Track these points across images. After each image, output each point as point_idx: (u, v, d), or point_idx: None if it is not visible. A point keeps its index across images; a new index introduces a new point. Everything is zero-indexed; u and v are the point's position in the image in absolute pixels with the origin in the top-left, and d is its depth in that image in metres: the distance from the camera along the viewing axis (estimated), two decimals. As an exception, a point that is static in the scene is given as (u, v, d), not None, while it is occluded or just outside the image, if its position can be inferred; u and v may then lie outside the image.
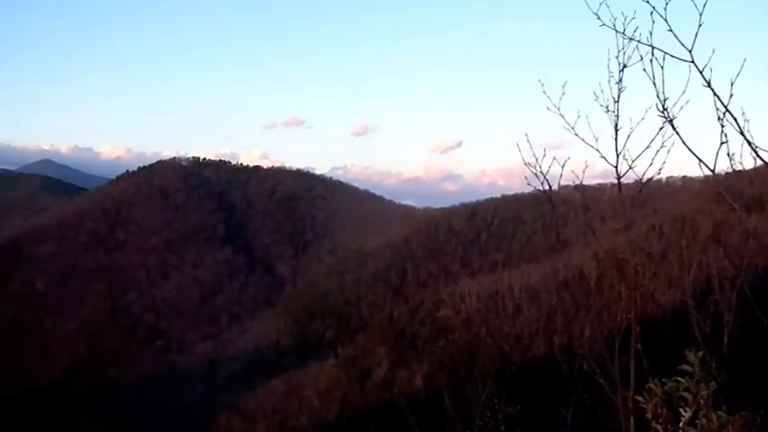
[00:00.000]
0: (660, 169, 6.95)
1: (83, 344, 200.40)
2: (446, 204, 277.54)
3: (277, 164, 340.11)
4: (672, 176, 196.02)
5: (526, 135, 7.96)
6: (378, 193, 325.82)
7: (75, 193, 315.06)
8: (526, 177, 7.87)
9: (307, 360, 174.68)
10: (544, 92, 7.27)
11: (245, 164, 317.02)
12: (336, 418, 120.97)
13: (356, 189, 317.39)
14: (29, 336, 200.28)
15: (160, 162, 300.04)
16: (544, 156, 7.57)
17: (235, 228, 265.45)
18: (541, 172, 7.76)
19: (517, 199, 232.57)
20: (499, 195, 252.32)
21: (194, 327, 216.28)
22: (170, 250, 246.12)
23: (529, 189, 8.21)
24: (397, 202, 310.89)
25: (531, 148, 7.71)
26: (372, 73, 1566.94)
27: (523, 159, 7.82)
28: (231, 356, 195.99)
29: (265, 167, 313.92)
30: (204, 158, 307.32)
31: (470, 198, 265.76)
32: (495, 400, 11.69)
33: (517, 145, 7.95)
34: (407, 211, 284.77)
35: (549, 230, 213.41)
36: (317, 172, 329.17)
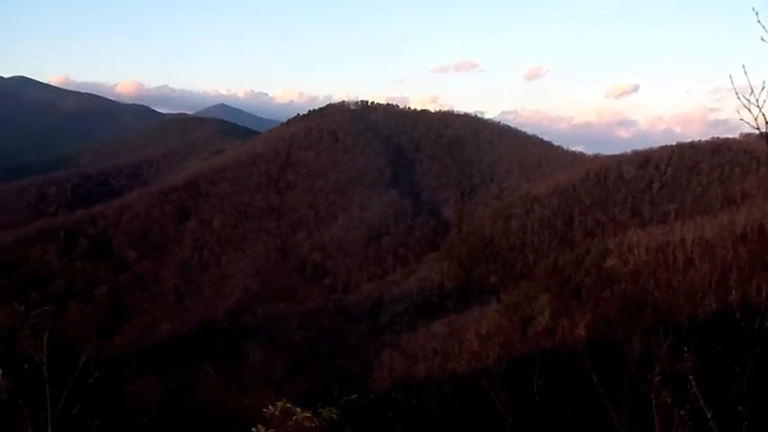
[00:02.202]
0: None
1: (254, 279, 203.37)
2: (617, 151, 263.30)
3: (446, 108, 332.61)
4: None
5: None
6: (547, 138, 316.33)
7: (249, 136, 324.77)
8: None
9: (469, 304, 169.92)
10: (758, 21, 6.61)
11: (412, 108, 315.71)
12: (496, 364, 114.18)
13: (524, 134, 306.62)
14: (205, 270, 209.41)
15: (330, 106, 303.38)
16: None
17: (402, 171, 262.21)
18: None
19: (693, 147, 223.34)
20: (674, 143, 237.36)
21: (360, 267, 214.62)
22: (338, 192, 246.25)
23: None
24: (566, 147, 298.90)
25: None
26: (547, 14, 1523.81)
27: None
28: (395, 297, 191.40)
29: (433, 111, 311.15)
30: (372, 102, 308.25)
31: (644, 145, 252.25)
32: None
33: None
34: (577, 157, 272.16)
35: (727, 181, 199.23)
36: (487, 116, 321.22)
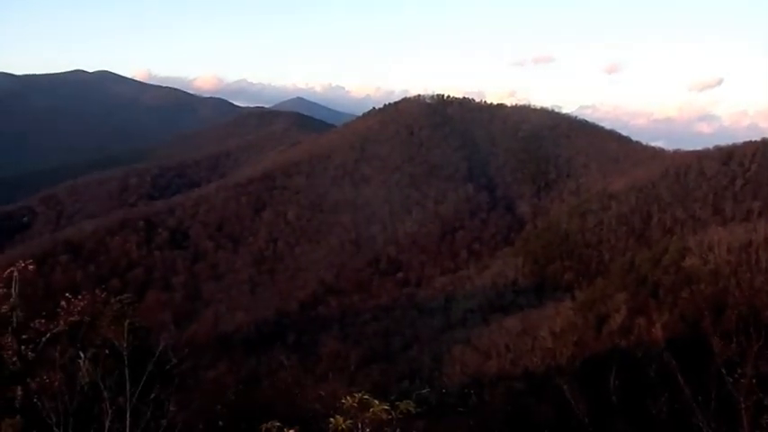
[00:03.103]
0: None
1: (328, 272, 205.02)
2: (699, 147, 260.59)
3: (523, 102, 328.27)
4: None
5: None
6: (625, 133, 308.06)
7: (325, 130, 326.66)
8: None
9: (542, 301, 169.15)
10: None
11: (488, 102, 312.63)
12: (569, 361, 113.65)
13: (602, 129, 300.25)
14: (280, 262, 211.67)
15: (405, 99, 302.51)
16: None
17: (477, 165, 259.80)
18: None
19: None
20: (759, 139, 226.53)
21: (434, 261, 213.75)
22: (413, 186, 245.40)
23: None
24: (645, 143, 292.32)
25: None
26: (628, 6, 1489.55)
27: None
28: (468, 292, 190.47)
29: (509, 105, 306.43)
30: (448, 96, 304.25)
31: (726, 141, 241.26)
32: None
33: None
34: (656, 152, 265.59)
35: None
36: (564, 111, 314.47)
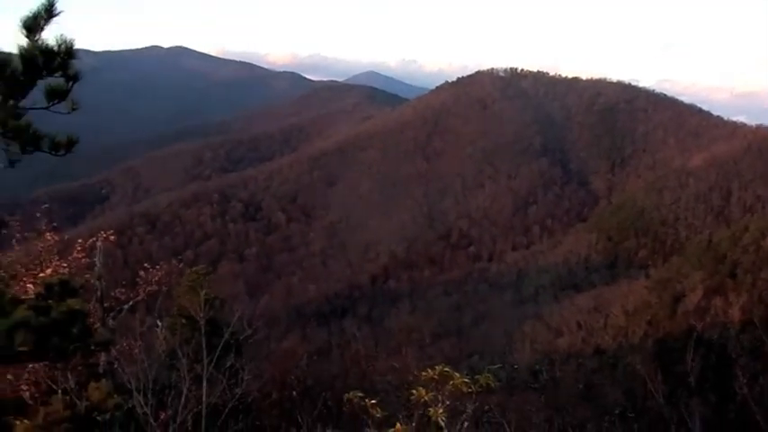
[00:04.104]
0: None
1: (400, 245, 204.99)
2: None
3: (598, 75, 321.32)
4: None
5: None
6: (705, 107, 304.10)
7: (398, 103, 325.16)
8: None
9: (616, 278, 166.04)
10: None
11: (563, 75, 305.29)
12: (642, 341, 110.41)
13: (681, 103, 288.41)
14: (352, 235, 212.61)
15: (479, 73, 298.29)
16: None
17: (551, 139, 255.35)
18: None
19: None
20: None
21: (506, 236, 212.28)
22: (486, 160, 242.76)
23: None
24: (725, 118, 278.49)
25: None
26: None
27: None
28: (540, 268, 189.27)
29: (584, 79, 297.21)
30: (522, 69, 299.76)
31: None
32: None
33: None
34: (737, 128, 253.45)
35: None
36: (641, 84, 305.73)
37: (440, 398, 9.08)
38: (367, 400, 9.32)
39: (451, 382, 9.06)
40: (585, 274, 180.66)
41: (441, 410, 8.97)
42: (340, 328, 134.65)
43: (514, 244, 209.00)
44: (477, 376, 9.44)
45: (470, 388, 9.14)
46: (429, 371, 9.18)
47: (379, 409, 9.39)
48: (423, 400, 8.99)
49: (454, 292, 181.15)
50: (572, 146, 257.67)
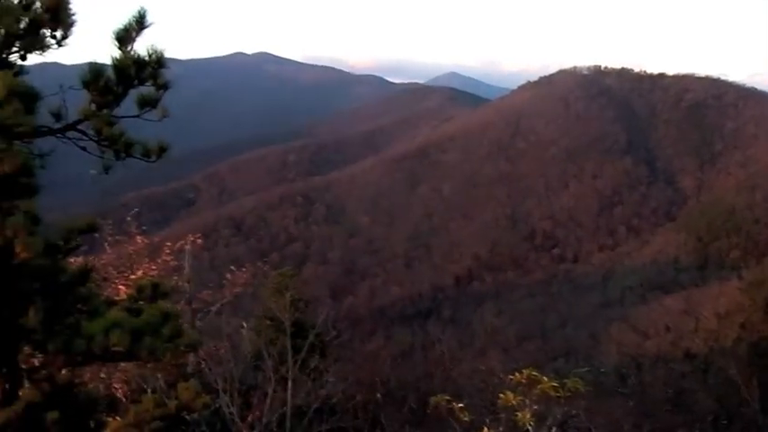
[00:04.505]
0: None
1: (483, 246, 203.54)
2: None
3: (685, 71, 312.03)
4: None
5: None
6: None
7: (479, 104, 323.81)
8: None
9: (706, 279, 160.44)
10: None
11: (648, 71, 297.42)
12: (735, 345, 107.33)
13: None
14: (435, 236, 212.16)
15: (560, 71, 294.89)
16: None
17: (636, 137, 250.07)
18: None
19: None
20: None
21: (591, 237, 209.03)
22: (569, 159, 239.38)
23: None
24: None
25: None
26: None
27: None
28: (627, 269, 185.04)
29: (670, 75, 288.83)
30: (605, 66, 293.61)
31: None
32: None
33: None
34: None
35: None
36: (731, 79, 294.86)
37: (527, 402, 8.99)
38: (454, 404, 9.30)
39: (539, 386, 8.96)
40: (674, 275, 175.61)
41: (528, 415, 8.89)
42: (424, 330, 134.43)
43: (600, 245, 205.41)
44: (565, 380, 9.31)
45: (558, 392, 9.02)
46: (517, 374, 9.10)
47: (466, 413, 9.37)
48: (510, 404, 8.92)
49: (539, 293, 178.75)
50: (658, 144, 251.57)
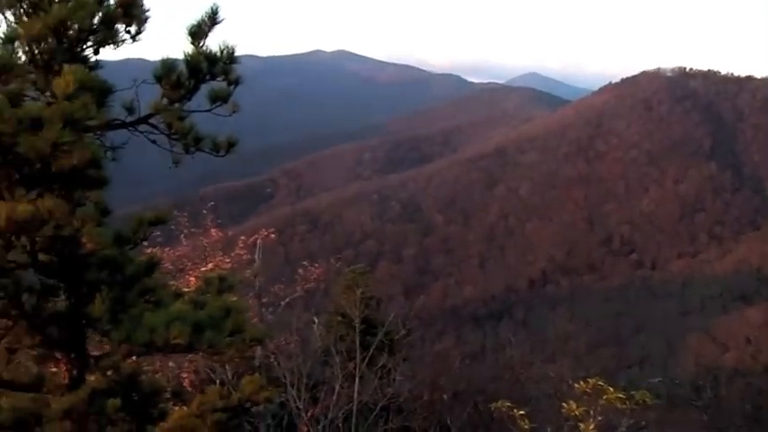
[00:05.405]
0: None
1: (559, 249, 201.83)
2: None
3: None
4: None
5: None
6: None
7: (559, 105, 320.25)
8: None
9: None
10: None
11: (735, 74, 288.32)
12: None
13: None
14: (510, 237, 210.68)
15: (644, 73, 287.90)
16: None
17: (721, 142, 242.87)
18: None
19: None
20: None
21: (671, 243, 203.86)
22: (651, 163, 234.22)
23: None
24: None
25: None
26: None
27: None
28: (707, 278, 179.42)
29: (759, 77, 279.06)
30: (690, 68, 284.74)
31: None
32: None
33: None
34: None
35: None
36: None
37: (592, 412, 8.76)
38: (515, 410, 9.14)
39: (605, 397, 8.71)
40: (757, 285, 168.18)
41: (592, 426, 8.68)
42: (495, 332, 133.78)
43: (679, 252, 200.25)
44: (633, 392, 9.04)
45: (625, 404, 8.76)
46: (582, 383, 8.87)
47: (527, 421, 9.19)
48: (573, 414, 8.71)
49: (614, 299, 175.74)
50: (745, 149, 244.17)
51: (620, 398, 8.59)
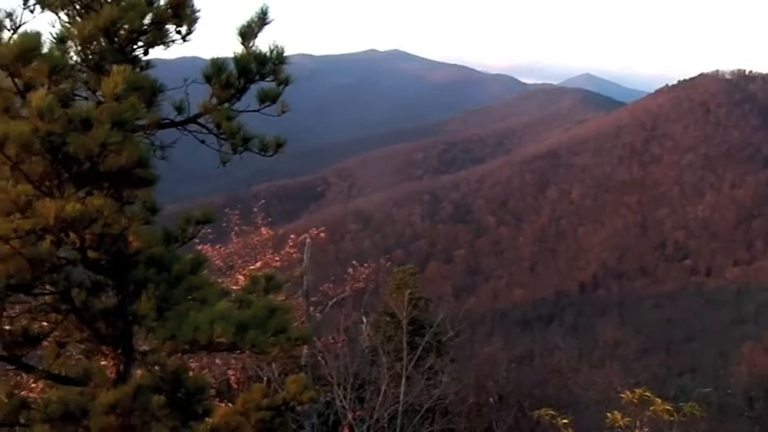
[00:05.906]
0: None
1: (611, 254, 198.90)
2: None
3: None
4: None
5: None
6: None
7: (613, 107, 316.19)
8: None
9: None
10: None
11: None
12: None
13: None
14: (562, 241, 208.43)
15: (701, 75, 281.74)
16: None
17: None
18: None
19: None
20: None
21: (726, 250, 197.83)
22: (707, 167, 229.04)
23: None
24: None
25: None
26: None
27: None
28: (763, 286, 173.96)
29: None
30: (750, 71, 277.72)
31: None
32: None
33: None
34: None
35: None
36: None
37: (637, 423, 8.58)
38: (558, 419, 8.99)
39: (652, 408, 8.52)
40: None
41: (638, 436, 8.50)
42: (544, 335, 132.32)
43: (735, 259, 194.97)
44: (682, 404, 8.82)
45: (673, 416, 8.55)
46: (628, 393, 8.68)
47: (570, 430, 9.04)
48: (618, 424, 8.53)
49: (666, 305, 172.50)
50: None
51: (668, 409, 8.37)
